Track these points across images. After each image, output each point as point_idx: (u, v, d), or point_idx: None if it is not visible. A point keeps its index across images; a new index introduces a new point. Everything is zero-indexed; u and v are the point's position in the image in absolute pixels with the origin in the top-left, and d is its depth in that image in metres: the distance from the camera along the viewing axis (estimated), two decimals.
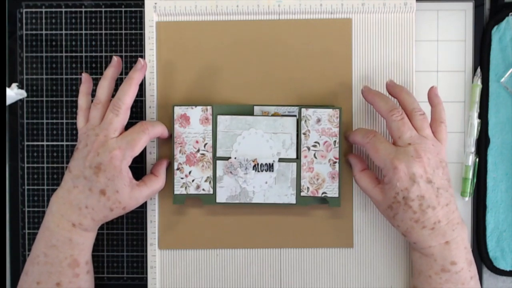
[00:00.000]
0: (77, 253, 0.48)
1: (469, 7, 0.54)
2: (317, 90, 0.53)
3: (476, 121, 0.54)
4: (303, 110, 0.51)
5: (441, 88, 0.55)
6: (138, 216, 0.55)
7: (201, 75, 0.53)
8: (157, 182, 0.51)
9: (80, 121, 0.50)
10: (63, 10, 0.55)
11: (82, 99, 0.50)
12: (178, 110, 0.51)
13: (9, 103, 0.53)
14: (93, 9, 0.55)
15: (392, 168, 0.46)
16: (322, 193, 0.51)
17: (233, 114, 0.51)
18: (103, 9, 0.55)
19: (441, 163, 0.47)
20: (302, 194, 0.51)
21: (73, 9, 0.55)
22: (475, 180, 0.54)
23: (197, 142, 0.51)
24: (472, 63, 0.55)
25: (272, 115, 0.51)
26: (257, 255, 0.54)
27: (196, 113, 0.51)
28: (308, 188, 0.51)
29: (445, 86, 0.55)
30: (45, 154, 0.55)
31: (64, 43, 0.55)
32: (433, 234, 0.46)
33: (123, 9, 0.55)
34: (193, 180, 0.51)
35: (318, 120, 0.51)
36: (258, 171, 0.51)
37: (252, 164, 0.50)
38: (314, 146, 0.51)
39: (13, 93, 0.53)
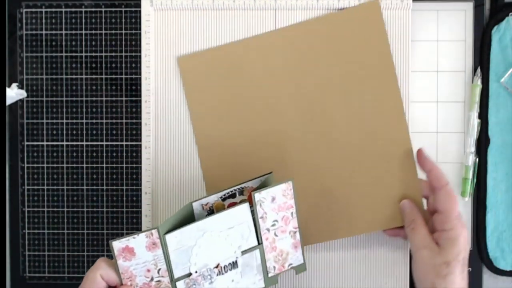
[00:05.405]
0: None
1: (469, 7, 0.54)
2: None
3: (476, 121, 0.54)
4: (256, 195, 0.46)
5: (441, 88, 0.55)
6: (139, 216, 0.55)
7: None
8: None
9: None
10: (63, 10, 0.55)
11: None
12: (118, 245, 0.44)
13: (9, 103, 0.54)
14: (93, 9, 0.55)
15: (461, 226, 0.46)
16: (289, 265, 0.49)
17: (179, 227, 0.45)
18: (103, 9, 0.55)
19: None
20: (269, 275, 0.48)
21: (73, 9, 0.55)
22: (475, 180, 0.54)
23: (148, 270, 0.44)
24: (472, 63, 0.55)
25: (215, 206, 0.48)
26: None
27: (140, 241, 0.44)
28: (274, 267, 0.48)
29: (445, 86, 0.55)
30: (45, 154, 0.55)
31: (64, 43, 0.55)
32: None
33: (123, 9, 0.55)
34: None
35: (273, 199, 0.47)
36: (223, 274, 0.46)
37: (216, 271, 0.46)
38: (273, 225, 0.48)
39: (13, 93, 0.53)
